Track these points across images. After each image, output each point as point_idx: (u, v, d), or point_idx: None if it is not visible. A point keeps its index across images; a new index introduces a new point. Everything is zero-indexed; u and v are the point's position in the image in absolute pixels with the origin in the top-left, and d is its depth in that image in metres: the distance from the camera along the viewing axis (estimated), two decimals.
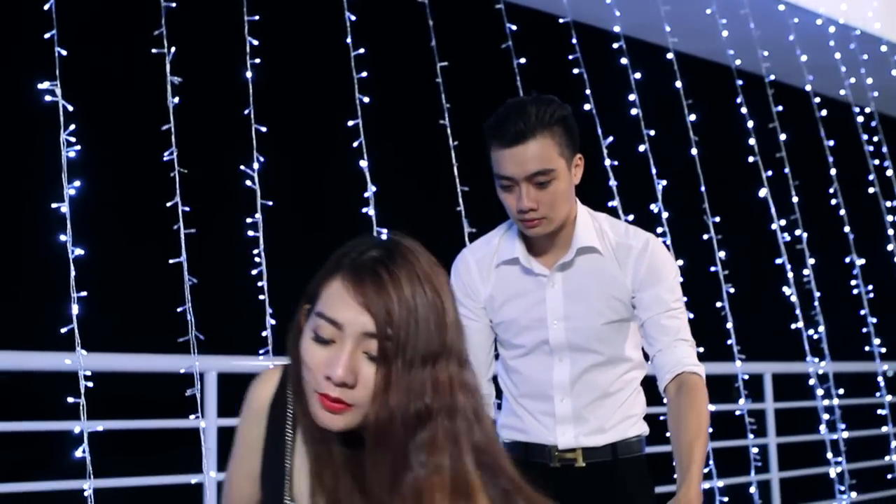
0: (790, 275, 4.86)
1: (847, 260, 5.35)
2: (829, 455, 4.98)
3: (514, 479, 1.32)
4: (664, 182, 4.14)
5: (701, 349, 3.50)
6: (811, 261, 5.05)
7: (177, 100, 2.90)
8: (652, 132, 4.22)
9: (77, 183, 2.60)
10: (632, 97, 4.36)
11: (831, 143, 5.36)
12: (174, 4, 3.13)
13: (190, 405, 3.04)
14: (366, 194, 3.43)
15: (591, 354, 2.28)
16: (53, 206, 2.54)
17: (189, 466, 3.24)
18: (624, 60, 4.53)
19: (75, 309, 2.57)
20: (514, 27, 4.20)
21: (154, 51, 3.00)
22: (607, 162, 4.09)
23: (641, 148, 4.28)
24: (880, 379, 5.37)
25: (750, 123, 4.94)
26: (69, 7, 2.88)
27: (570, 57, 4.36)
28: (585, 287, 2.28)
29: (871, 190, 5.61)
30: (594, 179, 3.76)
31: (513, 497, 1.31)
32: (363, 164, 3.43)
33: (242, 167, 3.14)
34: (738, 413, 4.57)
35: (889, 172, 5.68)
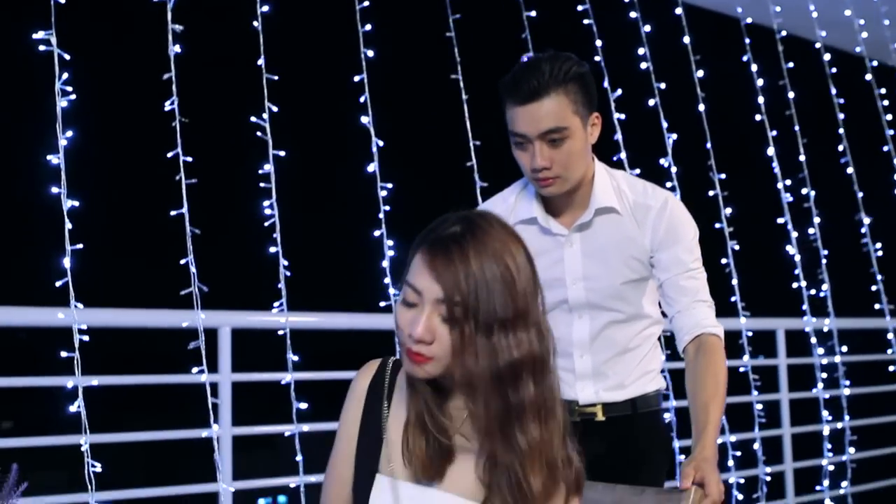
0: (793, 234, 4.77)
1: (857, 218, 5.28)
2: (825, 413, 4.93)
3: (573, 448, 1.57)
4: (674, 136, 4.06)
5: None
6: (817, 219, 4.98)
7: (178, 48, 2.80)
8: (663, 85, 4.12)
9: (69, 133, 2.52)
10: (641, 51, 4.25)
11: (842, 100, 5.25)
12: None
13: (203, 362, 2.99)
14: (372, 149, 3.35)
15: (610, 312, 2.26)
16: (49, 157, 2.46)
17: (195, 423, 3.18)
18: (634, 14, 4.41)
19: (68, 262, 2.50)
20: None
21: None
22: (615, 116, 4.01)
23: (651, 102, 4.18)
24: (890, 336, 5.32)
25: (759, 82, 4.83)
26: None
27: (580, 8, 4.26)
28: (604, 247, 2.25)
29: (885, 148, 5.52)
30: (603, 133, 3.71)
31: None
32: (365, 119, 3.33)
33: (254, 118, 3.06)
34: (742, 369, 4.51)
35: None
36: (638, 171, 3.90)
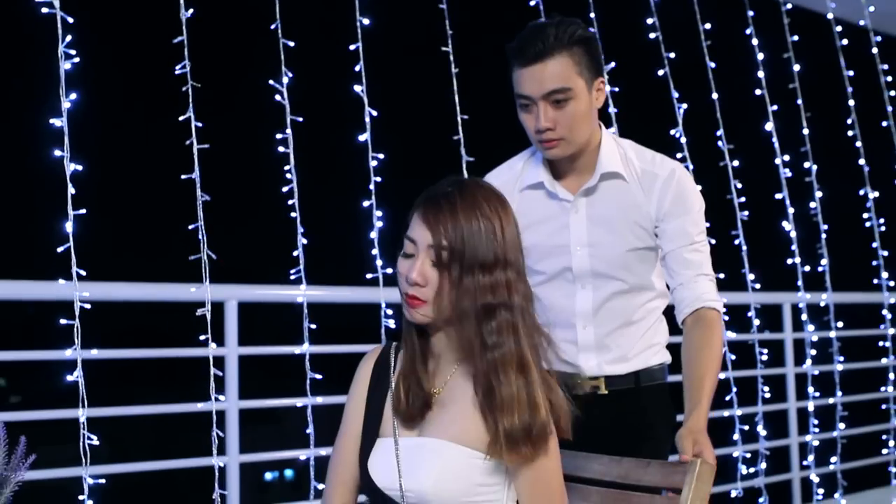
0: (790, 210, 4.70)
1: (861, 192, 5.21)
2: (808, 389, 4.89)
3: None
4: (685, 106, 3.99)
5: (721, 275, 3.39)
6: (819, 194, 4.91)
7: (190, 12, 2.73)
8: (672, 54, 4.04)
9: (73, 96, 2.44)
10: (650, 20, 4.16)
11: (851, 73, 5.15)
12: None
13: (214, 335, 2.93)
14: (366, 119, 3.26)
15: (614, 282, 2.23)
16: (52, 121, 2.38)
17: (203, 398, 3.13)
18: None
19: (70, 227, 2.43)
20: None
21: None
22: (607, 88, 3.92)
23: (661, 72, 4.08)
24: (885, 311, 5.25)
25: (760, 56, 4.73)
26: None
27: None
28: (609, 213, 2.22)
29: (883, 123, 5.44)
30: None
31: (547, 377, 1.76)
32: (358, 88, 3.25)
33: (272, 81, 2.98)
34: (750, 342, 4.46)
35: None
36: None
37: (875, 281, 5.21)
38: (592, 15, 4.01)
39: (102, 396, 2.74)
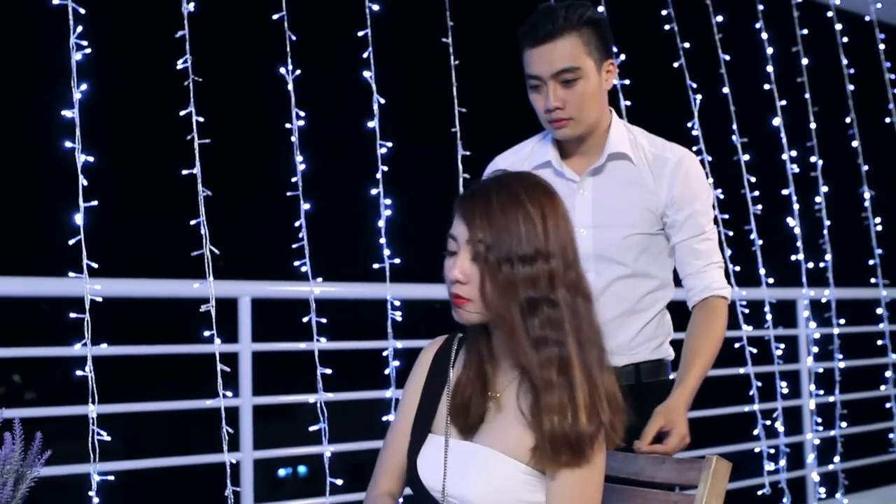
0: (795, 206, 4.64)
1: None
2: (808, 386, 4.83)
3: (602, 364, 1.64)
4: (699, 96, 3.95)
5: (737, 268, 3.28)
6: (824, 189, 4.85)
7: (192, 6, 2.70)
8: (687, 44, 4.00)
9: (83, 87, 2.40)
10: (664, 12, 4.11)
11: (852, 70, 5.09)
12: None
13: (226, 331, 2.91)
14: (375, 107, 3.21)
15: (616, 266, 2.21)
16: (63, 112, 2.34)
17: (215, 393, 3.11)
18: None
19: (79, 219, 2.40)
20: None
21: None
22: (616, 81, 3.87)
23: (676, 64, 4.04)
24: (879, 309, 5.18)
25: (770, 49, 4.69)
26: None
27: None
28: (615, 195, 2.21)
29: (887, 120, 5.37)
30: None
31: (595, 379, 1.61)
32: (367, 74, 3.20)
33: (282, 69, 2.94)
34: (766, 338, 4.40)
35: None
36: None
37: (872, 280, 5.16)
38: (601, 9, 3.98)
39: (118, 392, 2.72)
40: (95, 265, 2.45)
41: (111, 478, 2.60)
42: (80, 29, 2.44)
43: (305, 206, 3.02)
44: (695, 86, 4.02)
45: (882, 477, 5.31)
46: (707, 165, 3.87)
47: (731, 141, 4.27)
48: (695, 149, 3.92)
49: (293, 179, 3.01)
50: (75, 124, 2.38)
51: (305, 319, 3.03)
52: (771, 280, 4.36)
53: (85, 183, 2.40)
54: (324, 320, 3.07)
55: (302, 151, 3.03)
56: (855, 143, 5.06)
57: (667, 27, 4.10)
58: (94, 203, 2.43)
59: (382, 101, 3.21)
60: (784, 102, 4.62)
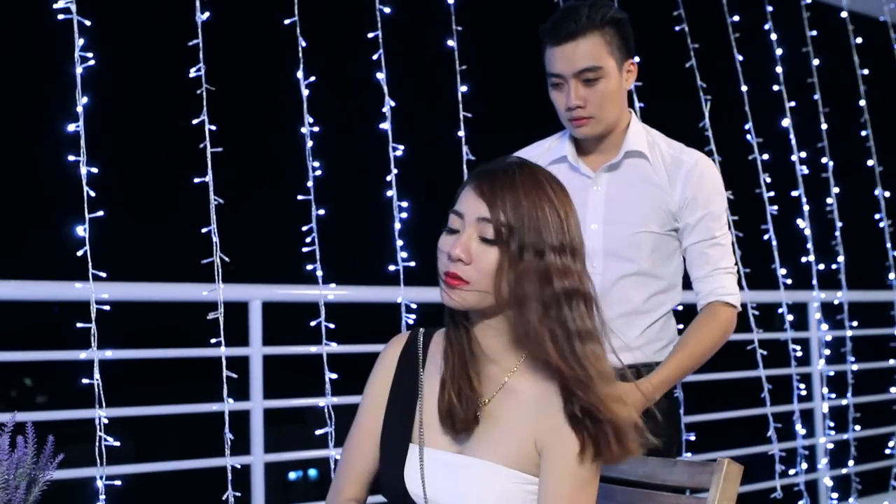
0: (805, 208, 4.62)
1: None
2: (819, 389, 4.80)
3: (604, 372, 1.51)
4: (709, 97, 3.94)
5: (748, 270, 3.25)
6: (836, 190, 4.83)
7: (206, 15, 2.71)
8: (698, 45, 4.00)
9: (84, 100, 2.41)
10: (676, 12, 4.11)
11: (865, 71, 5.06)
12: None
13: (235, 336, 2.91)
14: (384, 109, 3.21)
15: (624, 263, 2.21)
16: (69, 126, 2.36)
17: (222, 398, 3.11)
18: None
19: (81, 230, 2.41)
20: None
21: None
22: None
23: (687, 64, 4.04)
24: None
25: (779, 51, 4.67)
26: None
27: None
28: (629, 192, 2.22)
29: None
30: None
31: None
32: (380, 76, 3.20)
33: (299, 74, 2.95)
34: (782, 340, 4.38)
35: None
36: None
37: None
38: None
39: (129, 396, 2.73)
40: (103, 274, 2.46)
41: (118, 482, 2.60)
42: (82, 42, 2.46)
43: (319, 212, 3.03)
44: (704, 86, 4.01)
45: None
46: (718, 166, 3.85)
47: (744, 141, 4.25)
48: (706, 149, 3.90)
49: (308, 184, 3.01)
50: (80, 136, 2.38)
51: (314, 323, 3.03)
52: (789, 281, 4.33)
53: (92, 193, 2.41)
54: (332, 325, 3.07)
55: (315, 156, 3.04)
56: (869, 144, 5.03)
57: (677, 28, 4.09)
58: (100, 214, 2.42)
59: (393, 103, 3.21)
60: (793, 104, 4.60)
